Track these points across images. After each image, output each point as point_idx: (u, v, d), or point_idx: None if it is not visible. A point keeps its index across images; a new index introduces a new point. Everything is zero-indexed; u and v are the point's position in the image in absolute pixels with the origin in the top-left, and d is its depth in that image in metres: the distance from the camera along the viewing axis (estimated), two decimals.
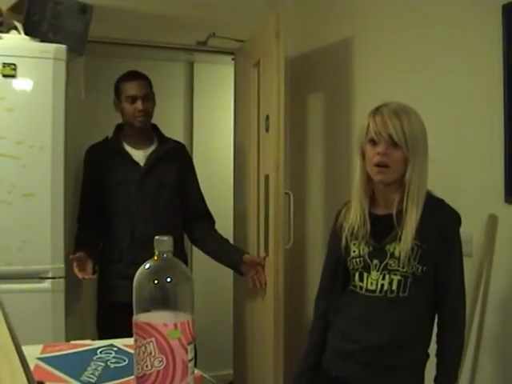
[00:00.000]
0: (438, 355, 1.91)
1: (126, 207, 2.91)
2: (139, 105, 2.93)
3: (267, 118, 3.19)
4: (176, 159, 3.07)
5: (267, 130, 3.20)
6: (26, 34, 2.76)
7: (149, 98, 3.00)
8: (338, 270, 2.06)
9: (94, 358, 1.41)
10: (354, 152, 3.22)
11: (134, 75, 3.00)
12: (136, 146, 3.00)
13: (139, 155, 2.99)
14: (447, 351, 1.91)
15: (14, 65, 2.62)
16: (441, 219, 1.91)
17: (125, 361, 1.38)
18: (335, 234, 2.08)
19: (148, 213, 2.91)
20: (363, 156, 1.96)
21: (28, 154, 2.65)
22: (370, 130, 1.92)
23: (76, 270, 2.69)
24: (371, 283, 1.94)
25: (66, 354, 1.46)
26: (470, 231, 2.36)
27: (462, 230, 1.96)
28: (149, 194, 2.93)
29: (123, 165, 2.96)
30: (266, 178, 3.20)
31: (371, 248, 1.94)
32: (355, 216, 1.97)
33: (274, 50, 3.07)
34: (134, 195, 2.92)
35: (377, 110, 1.93)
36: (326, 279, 2.13)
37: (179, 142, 3.22)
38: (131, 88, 2.95)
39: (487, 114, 2.49)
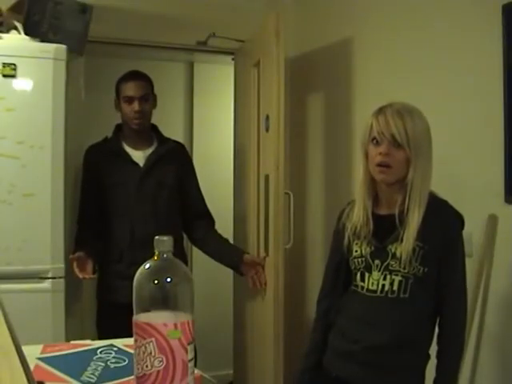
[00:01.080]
0: (438, 356, 1.91)
1: (125, 207, 2.91)
2: (136, 106, 2.91)
3: (267, 117, 3.19)
4: (175, 159, 3.07)
5: (267, 130, 3.20)
6: (26, 34, 2.76)
7: (147, 99, 2.97)
8: (341, 269, 2.06)
9: (94, 357, 1.41)
10: (354, 152, 3.23)
11: (133, 75, 2.98)
12: (135, 147, 2.99)
13: (139, 156, 2.98)
14: (448, 352, 1.91)
15: (14, 65, 2.62)
16: (443, 221, 1.91)
17: (125, 361, 1.38)
18: (338, 233, 2.08)
19: (148, 213, 2.91)
20: (366, 156, 1.96)
21: (28, 154, 2.65)
22: (373, 129, 1.92)
23: (76, 270, 2.68)
24: (372, 283, 1.94)
25: (66, 354, 1.45)
26: (470, 231, 2.36)
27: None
28: (148, 195, 2.93)
29: (122, 165, 2.96)
30: (266, 178, 3.20)
31: (373, 248, 1.94)
32: (358, 216, 1.97)
33: (274, 50, 3.07)
34: (134, 196, 2.91)
35: (380, 110, 1.93)
36: (328, 279, 2.13)
37: (178, 142, 3.21)
38: (129, 88, 2.94)
39: (487, 114, 2.49)
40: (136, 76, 2.99)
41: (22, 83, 2.66)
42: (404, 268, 1.88)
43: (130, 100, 2.93)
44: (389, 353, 1.90)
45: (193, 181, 3.15)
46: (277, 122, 3.06)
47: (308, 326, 2.26)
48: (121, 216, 2.92)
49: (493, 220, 2.41)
